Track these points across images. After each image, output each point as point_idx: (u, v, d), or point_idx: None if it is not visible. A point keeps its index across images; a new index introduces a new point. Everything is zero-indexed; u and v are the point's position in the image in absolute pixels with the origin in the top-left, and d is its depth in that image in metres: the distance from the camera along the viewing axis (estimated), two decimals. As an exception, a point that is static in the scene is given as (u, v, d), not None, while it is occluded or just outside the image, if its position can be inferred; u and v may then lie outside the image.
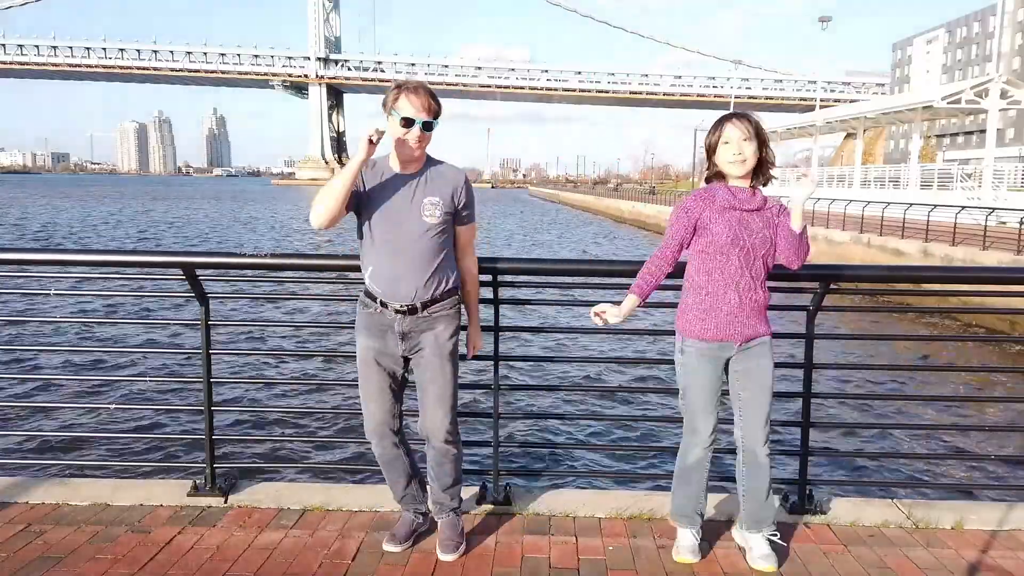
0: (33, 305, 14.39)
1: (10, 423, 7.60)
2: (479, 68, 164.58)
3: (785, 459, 3.55)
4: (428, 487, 2.97)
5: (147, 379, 8.86)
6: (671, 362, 2.85)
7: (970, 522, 3.14)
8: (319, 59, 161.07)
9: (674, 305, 2.86)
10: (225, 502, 3.26)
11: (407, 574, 2.69)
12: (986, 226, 15.92)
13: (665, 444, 7.51)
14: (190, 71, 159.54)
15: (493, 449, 3.36)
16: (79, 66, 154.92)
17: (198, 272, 3.25)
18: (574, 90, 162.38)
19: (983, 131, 45.64)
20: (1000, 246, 15.37)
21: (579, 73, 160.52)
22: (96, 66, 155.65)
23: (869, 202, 22.54)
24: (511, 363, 9.14)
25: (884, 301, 13.52)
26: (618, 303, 2.67)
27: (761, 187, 2.69)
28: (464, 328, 2.91)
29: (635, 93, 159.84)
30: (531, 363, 10.21)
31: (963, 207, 18.46)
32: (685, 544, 2.82)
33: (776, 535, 2.82)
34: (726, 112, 2.69)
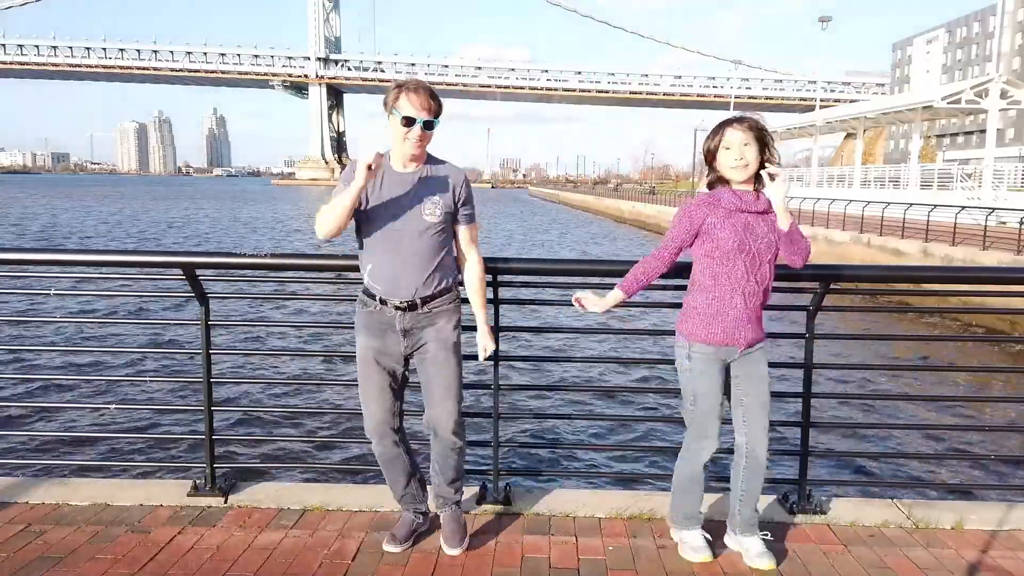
0: (33, 305, 14.40)
1: (10, 423, 7.61)
2: (479, 68, 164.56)
3: (785, 459, 3.55)
4: (430, 483, 2.97)
5: (147, 379, 8.86)
6: (671, 362, 2.84)
7: (970, 522, 3.14)
8: (319, 59, 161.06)
9: (674, 305, 2.86)
10: (225, 502, 3.26)
11: (407, 574, 2.69)
12: (986, 226, 15.93)
13: (665, 444, 7.51)
14: (190, 71, 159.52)
15: (493, 449, 3.36)
16: (79, 66, 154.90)
17: (198, 272, 3.25)
18: (574, 90, 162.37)
19: (983, 131, 45.66)
20: (1000, 246, 15.38)
21: (579, 73, 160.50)
22: (96, 66, 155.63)
23: (869, 202, 22.55)
24: (511, 363, 9.13)
25: (884, 301, 13.55)
26: (602, 294, 2.67)
27: (764, 191, 2.68)
28: (473, 328, 2.90)
29: (635, 93, 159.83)
30: (531, 363, 10.21)
31: (963, 207, 18.47)
32: (698, 543, 2.82)
33: (768, 536, 2.83)
34: (726, 117, 2.68)
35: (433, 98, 2.61)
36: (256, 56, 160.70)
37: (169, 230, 38.15)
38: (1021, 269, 6.97)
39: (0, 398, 8.34)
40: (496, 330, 3.30)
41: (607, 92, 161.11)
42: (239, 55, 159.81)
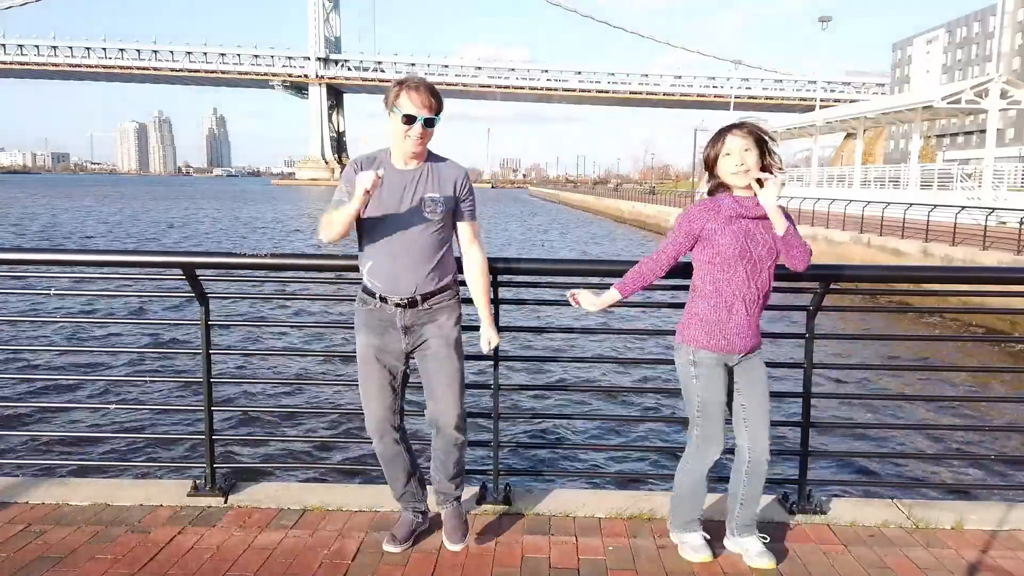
0: (33, 305, 14.41)
1: (10, 423, 7.60)
2: (479, 68, 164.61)
3: (785, 459, 3.55)
4: (431, 480, 2.97)
5: (147, 379, 8.86)
6: (671, 362, 2.84)
7: (970, 522, 3.14)
8: (319, 59, 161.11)
9: (673, 305, 2.86)
10: (225, 502, 3.26)
11: (407, 574, 2.69)
12: (986, 226, 15.93)
13: (665, 444, 7.53)
14: (190, 71, 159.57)
15: (493, 449, 3.36)
16: (79, 66, 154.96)
17: (198, 272, 3.25)
18: (574, 90, 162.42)
19: (983, 131, 45.66)
20: (1000, 246, 15.38)
21: (579, 73, 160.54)
22: (96, 66, 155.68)
23: (869, 202, 22.56)
24: (511, 363, 9.13)
25: (884, 301, 13.55)
26: (599, 293, 2.67)
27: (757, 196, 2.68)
28: (473, 328, 2.90)
29: (635, 93, 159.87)
30: (531, 363, 10.21)
31: (963, 207, 18.47)
32: (698, 543, 2.82)
33: (766, 538, 2.83)
34: (727, 122, 2.67)
35: (434, 96, 2.61)
36: (256, 56, 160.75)
37: (169, 230, 38.16)
38: (1021, 269, 6.97)
39: (0, 398, 8.34)
40: (496, 330, 3.30)
41: (607, 92, 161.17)
42: (239, 55, 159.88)
